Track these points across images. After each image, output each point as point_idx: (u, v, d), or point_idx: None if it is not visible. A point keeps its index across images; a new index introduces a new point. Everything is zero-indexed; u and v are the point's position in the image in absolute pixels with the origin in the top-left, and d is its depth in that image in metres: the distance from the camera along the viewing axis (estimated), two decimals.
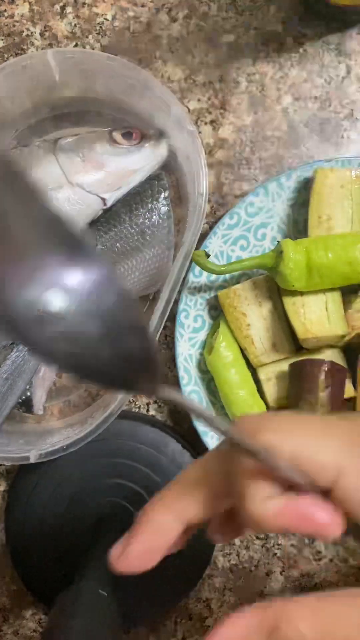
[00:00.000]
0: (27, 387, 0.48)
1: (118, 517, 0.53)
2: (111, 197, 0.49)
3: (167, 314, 0.49)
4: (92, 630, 0.32)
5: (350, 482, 0.24)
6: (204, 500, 0.27)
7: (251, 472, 0.25)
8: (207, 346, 0.53)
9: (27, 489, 0.53)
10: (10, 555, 0.55)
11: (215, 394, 0.53)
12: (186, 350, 0.53)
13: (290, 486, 0.25)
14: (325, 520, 0.24)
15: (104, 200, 0.49)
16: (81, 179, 0.48)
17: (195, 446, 0.55)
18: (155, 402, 0.57)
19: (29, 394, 0.48)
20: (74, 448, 0.46)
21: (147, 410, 0.56)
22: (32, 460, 0.46)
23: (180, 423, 0.56)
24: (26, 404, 0.49)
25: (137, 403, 0.56)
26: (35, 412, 0.50)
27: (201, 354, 0.54)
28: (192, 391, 0.53)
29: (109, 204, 0.49)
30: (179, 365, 0.53)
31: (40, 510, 0.53)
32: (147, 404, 0.57)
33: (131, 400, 0.56)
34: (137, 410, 0.57)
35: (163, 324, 0.49)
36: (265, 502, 0.25)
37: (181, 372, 0.53)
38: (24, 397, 0.48)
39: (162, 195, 0.50)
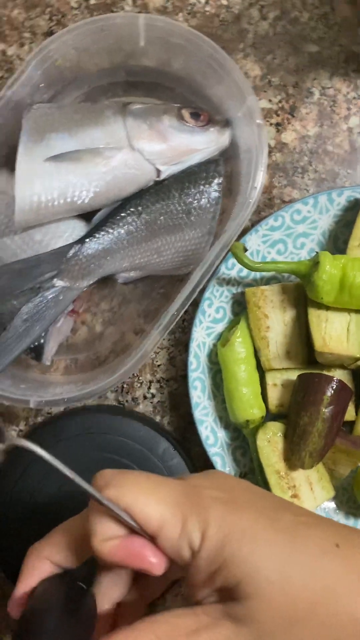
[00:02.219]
0: (42, 334, 0.48)
1: None
2: (166, 171, 0.49)
3: (192, 298, 0.49)
4: (68, 623, 0.32)
5: (168, 533, 0.31)
6: (68, 545, 0.34)
7: (100, 516, 0.32)
8: (223, 339, 0.53)
9: (15, 475, 0.53)
10: None
11: (219, 387, 0.54)
12: (201, 338, 0.53)
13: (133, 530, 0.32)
14: (152, 559, 0.31)
15: (158, 171, 0.49)
16: (142, 146, 0.48)
17: (186, 447, 0.56)
18: (145, 397, 0.57)
19: (42, 341, 0.49)
20: (74, 403, 0.46)
21: (138, 407, 0.57)
22: (32, 405, 0.46)
23: (172, 423, 0.57)
24: (37, 351, 0.49)
25: (127, 400, 0.57)
26: (43, 362, 0.50)
27: (214, 345, 0.54)
28: (197, 378, 0.53)
29: (162, 176, 0.49)
30: (190, 350, 0.53)
31: (26, 498, 0.53)
32: (136, 399, 0.57)
33: (122, 398, 0.57)
34: (128, 405, 0.57)
35: (185, 308, 0.49)
36: (106, 541, 0.31)
37: (191, 357, 0.53)
38: (36, 344, 0.48)
39: (216, 181, 0.50)
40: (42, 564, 0.34)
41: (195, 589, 0.32)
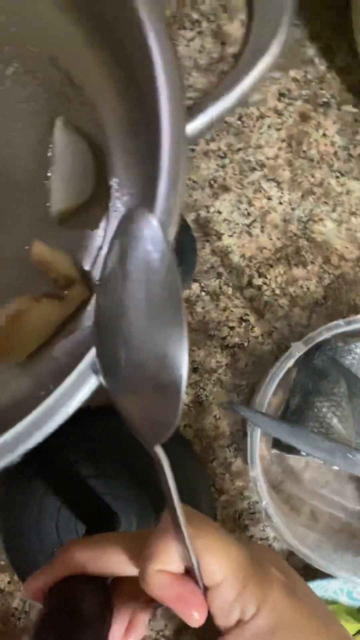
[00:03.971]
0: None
1: (113, 518, 0.51)
2: None
3: None
4: (90, 622, 0.32)
5: (224, 592, 0.30)
6: (109, 562, 0.32)
7: (170, 546, 0.30)
8: None
9: (25, 480, 0.51)
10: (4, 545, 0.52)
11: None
12: None
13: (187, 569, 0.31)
14: (195, 612, 0.30)
15: None
16: None
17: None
18: None
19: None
20: None
21: None
22: None
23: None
24: (286, 449, 0.52)
25: None
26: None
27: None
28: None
29: None
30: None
31: (36, 507, 0.51)
32: None
33: None
34: None
35: None
36: (160, 572, 0.30)
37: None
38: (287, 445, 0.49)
39: None
40: (76, 568, 0.33)
41: None
